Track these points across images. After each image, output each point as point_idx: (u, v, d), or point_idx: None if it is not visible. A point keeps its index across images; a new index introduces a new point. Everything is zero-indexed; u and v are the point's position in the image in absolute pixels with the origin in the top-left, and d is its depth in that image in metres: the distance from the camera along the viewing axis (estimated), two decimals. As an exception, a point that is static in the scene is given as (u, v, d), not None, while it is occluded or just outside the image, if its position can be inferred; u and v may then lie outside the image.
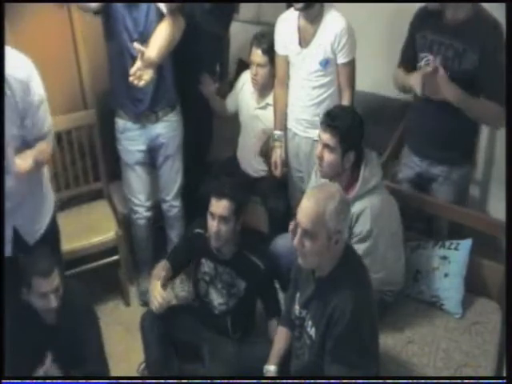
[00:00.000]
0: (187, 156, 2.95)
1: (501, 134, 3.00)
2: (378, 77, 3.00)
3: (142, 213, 2.89)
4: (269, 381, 2.06)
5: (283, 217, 2.80)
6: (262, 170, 3.01)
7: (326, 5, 2.59)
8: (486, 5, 2.34)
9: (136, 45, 2.29)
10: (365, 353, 1.86)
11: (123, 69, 2.47)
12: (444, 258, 2.46)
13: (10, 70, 1.95)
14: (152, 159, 2.83)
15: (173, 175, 2.87)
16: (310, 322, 1.95)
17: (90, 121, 2.87)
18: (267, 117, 2.92)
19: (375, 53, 3.14)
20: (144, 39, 2.41)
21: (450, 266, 2.45)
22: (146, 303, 2.84)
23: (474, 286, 2.49)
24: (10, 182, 2.07)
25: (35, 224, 2.30)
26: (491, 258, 2.51)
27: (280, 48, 2.73)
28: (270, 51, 2.79)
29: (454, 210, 2.54)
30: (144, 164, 2.81)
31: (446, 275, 2.45)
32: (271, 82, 2.86)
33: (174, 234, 3.04)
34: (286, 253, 2.46)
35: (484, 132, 3.06)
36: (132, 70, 2.30)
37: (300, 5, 2.52)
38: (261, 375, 2.08)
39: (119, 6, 2.43)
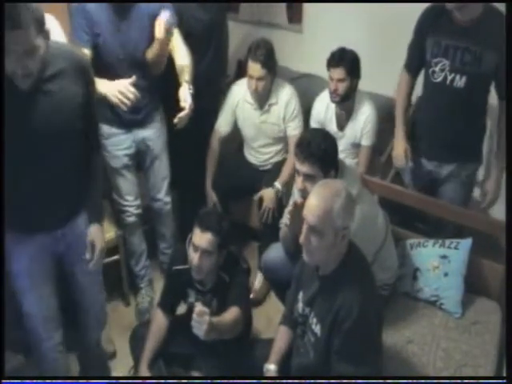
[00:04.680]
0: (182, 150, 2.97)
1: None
2: (379, 77, 3.00)
3: (133, 211, 2.84)
4: (269, 381, 2.06)
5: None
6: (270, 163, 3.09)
7: (358, 92, 2.83)
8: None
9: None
10: (371, 349, 1.87)
11: None
12: (444, 257, 2.46)
13: None
14: (138, 162, 2.81)
15: (162, 173, 2.85)
16: (314, 320, 1.94)
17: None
18: (273, 117, 2.95)
19: (376, 54, 3.15)
20: (132, 59, 2.45)
21: (449, 265, 2.45)
22: (143, 323, 2.67)
23: (473, 286, 2.49)
24: None
25: None
26: (491, 258, 2.51)
27: (314, 124, 2.97)
28: (267, 62, 2.75)
29: (454, 210, 2.54)
30: (131, 167, 2.76)
31: (445, 274, 2.45)
32: (270, 86, 2.88)
33: (168, 231, 3.00)
34: (280, 264, 2.46)
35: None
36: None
37: (337, 98, 2.76)
38: (261, 375, 2.07)
39: (108, 34, 2.41)
